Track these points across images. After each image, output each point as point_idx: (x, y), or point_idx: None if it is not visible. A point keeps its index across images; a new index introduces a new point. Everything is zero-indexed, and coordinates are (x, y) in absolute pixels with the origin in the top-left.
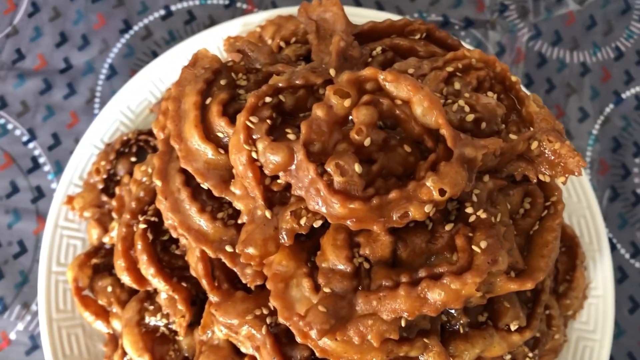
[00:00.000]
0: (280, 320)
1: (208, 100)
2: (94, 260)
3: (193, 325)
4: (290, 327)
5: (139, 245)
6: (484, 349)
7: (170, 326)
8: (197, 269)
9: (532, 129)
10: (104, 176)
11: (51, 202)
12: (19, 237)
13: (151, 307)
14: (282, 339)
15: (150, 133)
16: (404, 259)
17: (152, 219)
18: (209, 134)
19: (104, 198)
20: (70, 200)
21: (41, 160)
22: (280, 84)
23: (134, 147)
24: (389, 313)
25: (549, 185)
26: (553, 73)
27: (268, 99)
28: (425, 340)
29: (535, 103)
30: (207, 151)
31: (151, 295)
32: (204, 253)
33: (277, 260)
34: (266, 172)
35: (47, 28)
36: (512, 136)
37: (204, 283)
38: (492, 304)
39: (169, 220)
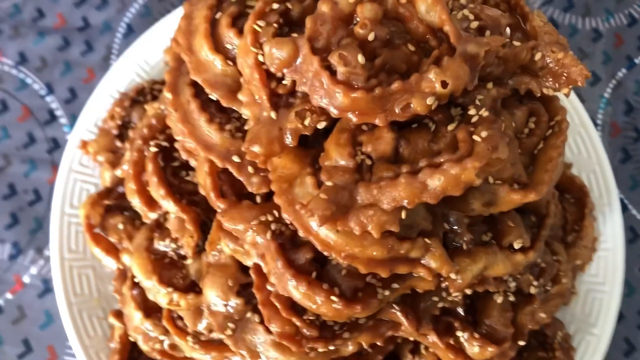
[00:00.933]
0: (284, 215)
1: (218, 15)
2: (106, 202)
3: (201, 251)
4: (293, 222)
5: (149, 168)
6: (487, 265)
7: (178, 251)
8: (205, 184)
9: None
10: (119, 122)
11: None
12: (34, 185)
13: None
14: (285, 244)
15: (164, 83)
16: (405, 157)
17: (163, 144)
18: (218, 46)
19: (118, 143)
20: (84, 145)
21: (58, 113)
22: None
23: (148, 95)
24: (389, 202)
25: (554, 104)
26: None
27: (275, 6)
28: (427, 240)
29: (539, 18)
30: (216, 62)
31: (160, 225)
32: (212, 167)
33: (282, 164)
34: (272, 69)
35: None
36: (516, 43)
37: (212, 196)
38: (495, 223)
39: (179, 135)
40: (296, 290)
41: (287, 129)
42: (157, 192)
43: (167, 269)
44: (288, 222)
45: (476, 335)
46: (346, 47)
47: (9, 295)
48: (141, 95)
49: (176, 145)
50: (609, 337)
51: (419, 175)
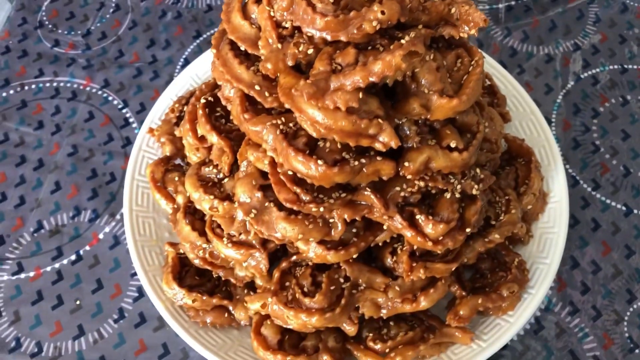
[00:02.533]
0: (282, 99)
1: None
2: (166, 166)
3: (233, 172)
4: (290, 107)
5: (199, 112)
6: (430, 156)
7: (218, 176)
8: (236, 110)
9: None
10: (177, 114)
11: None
12: (110, 170)
13: (204, 167)
14: (288, 136)
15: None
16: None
17: (210, 99)
18: (246, 16)
19: (176, 130)
20: (151, 130)
21: (130, 120)
22: None
23: None
24: (351, 84)
25: (474, 50)
26: (523, 61)
27: None
28: (380, 121)
29: None
30: (245, 25)
31: (205, 162)
32: (241, 98)
33: (286, 81)
34: (277, 15)
35: (141, 36)
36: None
37: (240, 112)
38: (437, 132)
39: (220, 80)
40: (296, 160)
41: (288, 54)
42: (204, 127)
43: (210, 186)
44: (291, 123)
45: (430, 217)
46: None
47: (87, 248)
48: (193, 96)
49: (218, 94)
50: (557, 263)
51: (367, 64)
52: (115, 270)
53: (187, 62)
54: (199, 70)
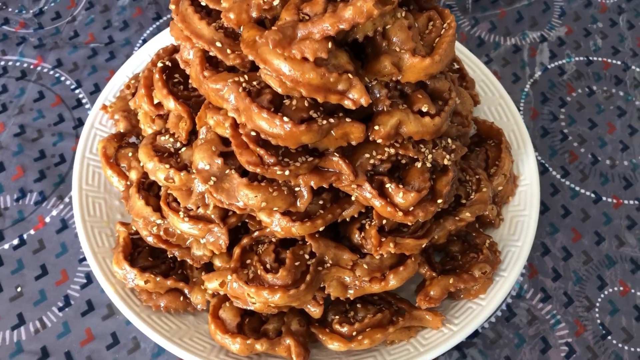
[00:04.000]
0: (246, 51)
1: None
2: (120, 143)
3: (191, 141)
4: (254, 59)
5: (155, 77)
6: (401, 120)
7: (175, 145)
8: (195, 70)
9: None
10: (133, 91)
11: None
12: (60, 151)
13: (162, 137)
14: (252, 94)
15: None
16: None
17: (167, 63)
18: None
19: (131, 105)
20: (104, 107)
21: (84, 101)
22: None
23: None
24: (319, 32)
25: (446, 12)
26: (490, 50)
27: None
28: (350, 76)
29: None
30: None
31: (162, 133)
32: (201, 56)
33: (248, 34)
34: None
35: (98, 17)
36: None
37: (199, 71)
38: (408, 97)
39: (179, 39)
40: (260, 118)
41: (252, 4)
42: (161, 92)
43: (166, 157)
44: (255, 82)
45: (401, 186)
46: None
47: (32, 232)
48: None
49: (177, 57)
50: (529, 245)
51: (337, 11)
52: (62, 256)
53: (145, 43)
54: (157, 46)
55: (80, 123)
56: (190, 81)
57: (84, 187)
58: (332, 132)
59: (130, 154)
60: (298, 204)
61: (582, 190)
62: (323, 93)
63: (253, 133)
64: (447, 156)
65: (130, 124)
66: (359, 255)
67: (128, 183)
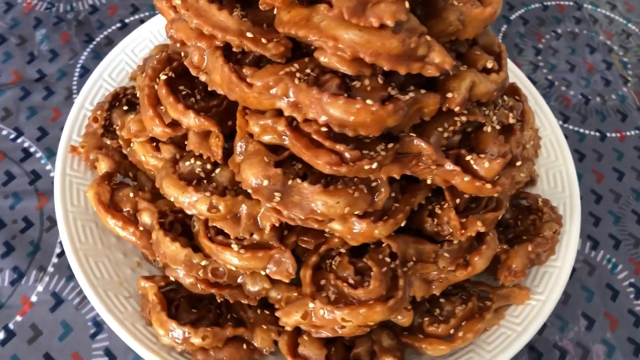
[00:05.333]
0: (302, 32)
1: None
2: (111, 184)
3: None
4: (319, 41)
5: (162, 92)
6: (473, 82)
7: (205, 168)
8: (222, 73)
9: None
10: (102, 123)
11: (49, 181)
12: (23, 214)
13: (180, 162)
14: (311, 83)
15: (134, 88)
16: None
17: (170, 74)
18: None
19: (106, 141)
20: (74, 148)
21: (32, 149)
22: None
23: (123, 100)
24: None
25: None
26: None
27: None
28: (428, 38)
29: None
30: None
31: (178, 161)
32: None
33: (294, 14)
34: None
35: (16, 51)
36: None
37: (233, 75)
38: (465, 56)
39: (191, 39)
40: (335, 106)
41: None
42: (175, 109)
43: (199, 184)
44: (308, 69)
45: (482, 155)
46: None
47: (18, 318)
48: (117, 100)
49: (185, 62)
50: (577, 194)
51: None
52: (67, 337)
53: (85, 69)
54: (112, 68)
55: (36, 176)
56: (210, 89)
57: (78, 247)
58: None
59: (131, 194)
60: (376, 200)
61: (587, 131)
62: (405, 63)
63: (324, 129)
64: (511, 114)
65: (114, 161)
66: (439, 244)
67: (141, 229)
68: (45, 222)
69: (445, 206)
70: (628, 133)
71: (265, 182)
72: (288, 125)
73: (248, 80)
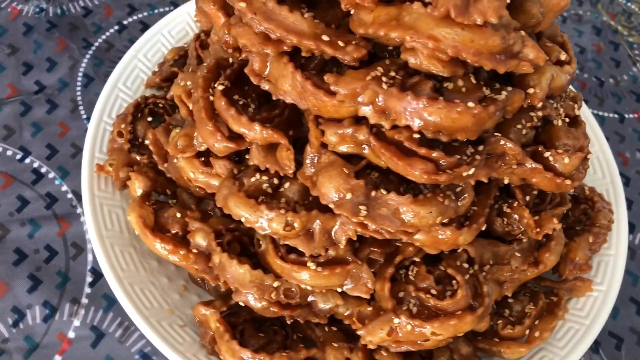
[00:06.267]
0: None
1: None
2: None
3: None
4: (420, 42)
5: (221, 104)
6: (553, 75)
7: (272, 180)
8: (287, 77)
9: None
10: (128, 137)
11: (68, 203)
12: (44, 242)
13: (245, 179)
14: (401, 87)
15: (155, 97)
16: None
17: (226, 83)
18: None
19: (135, 156)
20: (101, 167)
21: (43, 170)
22: None
23: (145, 110)
24: None
25: None
26: None
27: None
28: (523, 33)
29: None
30: None
31: (237, 177)
32: (295, 70)
33: (378, 13)
34: None
35: (8, 62)
36: None
37: (308, 83)
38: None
39: (255, 45)
40: (432, 111)
41: None
42: (239, 122)
43: (267, 200)
44: (392, 72)
45: (560, 151)
46: None
47: (57, 358)
48: (138, 111)
49: (245, 70)
50: (618, 178)
51: None
52: None
53: (89, 78)
54: (127, 77)
55: (52, 199)
56: (275, 97)
57: (120, 274)
58: None
59: (178, 215)
60: (459, 205)
61: (606, 114)
62: (503, 61)
63: (416, 135)
64: (575, 105)
65: (149, 179)
66: (512, 245)
67: (195, 251)
68: (70, 249)
69: (514, 204)
70: None
71: (349, 196)
72: (372, 134)
73: (332, 88)
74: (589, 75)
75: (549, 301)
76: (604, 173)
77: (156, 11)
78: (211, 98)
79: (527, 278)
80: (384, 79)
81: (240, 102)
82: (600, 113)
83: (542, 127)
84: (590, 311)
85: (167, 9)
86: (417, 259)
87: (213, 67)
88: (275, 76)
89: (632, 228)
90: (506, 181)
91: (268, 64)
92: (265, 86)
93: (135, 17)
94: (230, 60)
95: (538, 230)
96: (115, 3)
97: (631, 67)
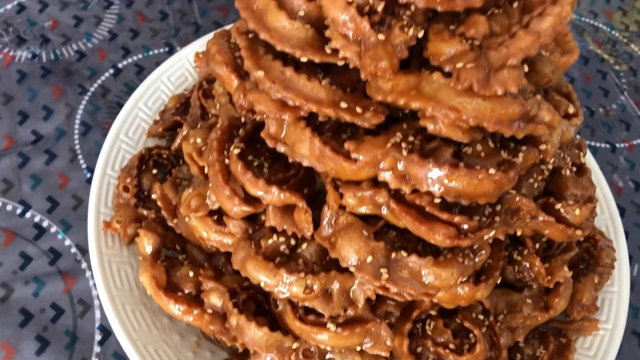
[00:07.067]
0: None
1: None
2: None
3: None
4: (445, 112)
5: (238, 168)
6: (563, 129)
7: (289, 242)
8: (312, 145)
9: None
10: (134, 192)
11: (72, 258)
12: (50, 301)
13: (262, 240)
14: (420, 153)
15: (159, 148)
16: (499, 32)
17: (241, 145)
18: (291, 14)
19: (142, 212)
20: (108, 224)
21: (44, 224)
22: None
23: (150, 162)
24: (517, 54)
25: None
26: None
27: None
28: (539, 97)
29: None
30: (297, 28)
31: (252, 237)
32: (313, 135)
33: (397, 82)
34: None
35: (3, 112)
36: None
37: (328, 152)
38: (547, 100)
39: (272, 111)
40: (454, 178)
41: (397, 43)
42: (256, 186)
43: (285, 263)
44: (410, 137)
45: (570, 202)
46: None
47: None
48: (142, 164)
49: (262, 134)
50: (615, 210)
51: (530, 25)
52: None
53: (86, 126)
54: (128, 127)
55: (56, 255)
56: (291, 160)
57: (134, 335)
58: None
59: (191, 274)
60: (476, 261)
61: (598, 144)
62: (522, 127)
63: (437, 200)
64: (581, 153)
65: (158, 235)
66: (523, 292)
67: (210, 312)
68: (77, 307)
69: (525, 252)
70: (634, 142)
71: (370, 258)
72: (392, 197)
73: (352, 155)
74: (580, 105)
75: (558, 342)
76: (602, 208)
77: (151, 53)
78: (226, 161)
79: (537, 323)
80: (403, 144)
81: (255, 163)
82: (593, 143)
83: (551, 176)
84: (599, 350)
85: (161, 50)
86: (433, 312)
87: (227, 128)
88: (292, 140)
89: (630, 259)
90: (519, 233)
91: (284, 127)
92: (282, 149)
93: (130, 60)
94: (243, 119)
95: (549, 278)
96: (109, 46)
97: (619, 95)
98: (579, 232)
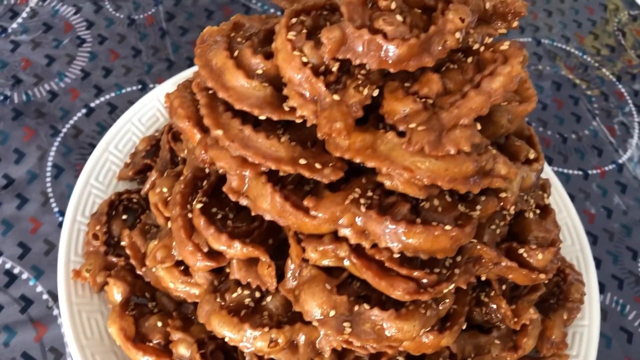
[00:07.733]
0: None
1: (235, 53)
2: (131, 313)
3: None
4: (399, 171)
5: (200, 223)
6: (524, 176)
7: (253, 294)
8: (273, 202)
9: None
10: (104, 239)
11: (43, 305)
12: (21, 350)
13: (227, 294)
14: (379, 209)
15: (129, 192)
16: (453, 89)
17: (204, 199)
18: (248, 74)
19: (112, 259)
20: (77, 273)
21: (15, 271)
22: (300, 7)
23: (120, 207)
24: (469, 114)
25: None
26: None
27: (294, 20)
28: (493, 151)
29: None
30: (255, 87)
31: (217, 289)
32: (274, 191)
33: (354, 139)
34: (326, 55)
35: None
36: None
37: (289, 207)
38: (504, 147)
39: (233, 169)
40: (412, 235)
41: (352, 103)
42: (219, 240)
43: (250, 316)
44: (369, 192)
45: (533, 246)
46: (381, 14)
47: None
48: (112, 209)
49: (224, 189)
50: (585, 239)
51: (482, 85)
52: None
53: (58, 168)
54: (99, 171)
55: (27, 302)
56: (254, 214)
57: None
58: None
59: (159, 324)
60: (440, 309)
61: (570, 171)
62: (477, 184)
63: (396, 255)
64: (545, 194)
65: (127, 284)
66: (491, 333)
67: None
68: (48, 355)
69: (492, 294)
70: (606, 168)
71: (332, 312)
72: (353, 251)
73: (312, 212)
74: (552, 132)
75: None
76: (572, 240)
77: (124, 91)
78: (189, 215)
79: None
80: (361, 200)
81: (220, 215)
82: (565, 171)
83: (515, 218)
84: None
85: (134, 88)
86: (400, 359)
87: (190, 181)
88: (254, 194)
89: (602, 288)
90: (483, 278)
91: (246, 181)
92: (244, 202)
93: (102, 99)
94: (207, 170)
95: (516, 320)
96: (81, 85)
97: (591, 121)
98: (542, 276)
